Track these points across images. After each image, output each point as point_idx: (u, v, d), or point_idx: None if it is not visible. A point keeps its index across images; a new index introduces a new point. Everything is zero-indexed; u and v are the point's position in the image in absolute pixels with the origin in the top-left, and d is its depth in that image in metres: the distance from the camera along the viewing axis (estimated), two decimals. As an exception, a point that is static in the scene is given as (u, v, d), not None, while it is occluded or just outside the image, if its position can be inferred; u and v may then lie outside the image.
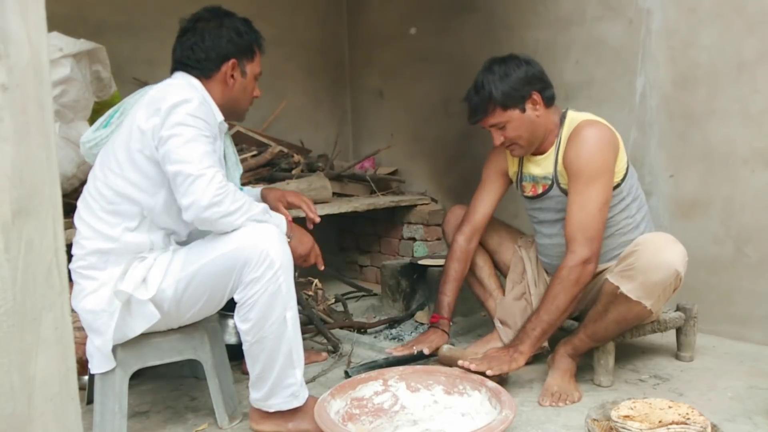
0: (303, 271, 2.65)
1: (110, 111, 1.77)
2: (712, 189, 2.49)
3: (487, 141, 3.09)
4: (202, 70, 1.77)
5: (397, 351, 2.19)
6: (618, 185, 1.99)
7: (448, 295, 2.27)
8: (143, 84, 3.14)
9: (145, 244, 1.70)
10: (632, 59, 2.67)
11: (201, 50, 1.76)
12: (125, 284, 1.64)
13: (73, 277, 1.70)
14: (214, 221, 1.59)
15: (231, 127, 3.11)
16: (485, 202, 2.28)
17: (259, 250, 1.59)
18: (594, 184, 1.90)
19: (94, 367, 1.70)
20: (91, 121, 2.46)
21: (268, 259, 1.59)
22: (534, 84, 1.99)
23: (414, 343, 2.22)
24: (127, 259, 1.69)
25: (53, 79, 2.17)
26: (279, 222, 1.74)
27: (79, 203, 1.74)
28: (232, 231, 1.62)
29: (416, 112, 3.69)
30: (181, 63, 1.79)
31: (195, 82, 1.77)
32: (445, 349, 2.12)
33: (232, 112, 1.86)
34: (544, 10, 2.97)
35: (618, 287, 1.85)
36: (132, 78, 3.12)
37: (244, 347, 1.70)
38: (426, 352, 2.16)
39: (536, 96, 1.99)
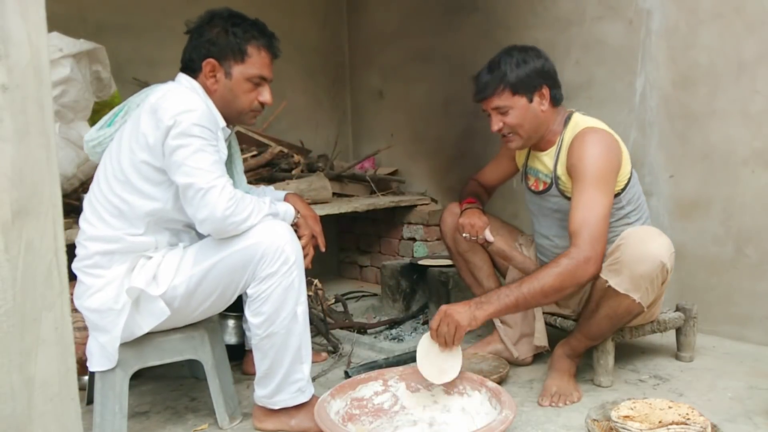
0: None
1: (115, 110, 1.77)
2: (712, 189, 2.49)
3: (488, 141, 3.10)
4: (191, 71, 1.74)
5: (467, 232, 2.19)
6: (618, 194, 1.96)
7: (471, 193, 2.33)
8: (143, 84, 3.16)
9: (150, 244, 1.71)
10: (632, 59, 2.67)
11: (187, 50, 1.75)
12: (136, 280, 1.64)
13: (78, 275, 1.70)
14: (231, 231, 1.62)
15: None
16: (494, 173, 2.39)
17: (275, 246, 1.62)
18: (599, 187, 1.86)
19: (94, 365, 1.69)
20: (92, 121, 2.47)
21: (283, 255, 1.63)
22: (547, 79, 1.99)
23: (461, 230, 2.20)
24: (132, 257, 1.69)
25: (53, 80, 2.18)
26: (286, 209, 1.79)
27: (85, 204, 1.74)
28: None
29: (416, 112, 3.69)
30: (182, 64, 1.77)
31: (196, 85, 1.73)
32: (495, 241, 2.19)
33: (229, 116, 1.79)
34: (544, 11, 2.97)
35: (606, 281, 1.86)
36: (132, 78, 3.12)
37: (253, 342, 1.71)
38: (490, 239, 2.18)
39: (546, 90, 1.99)
